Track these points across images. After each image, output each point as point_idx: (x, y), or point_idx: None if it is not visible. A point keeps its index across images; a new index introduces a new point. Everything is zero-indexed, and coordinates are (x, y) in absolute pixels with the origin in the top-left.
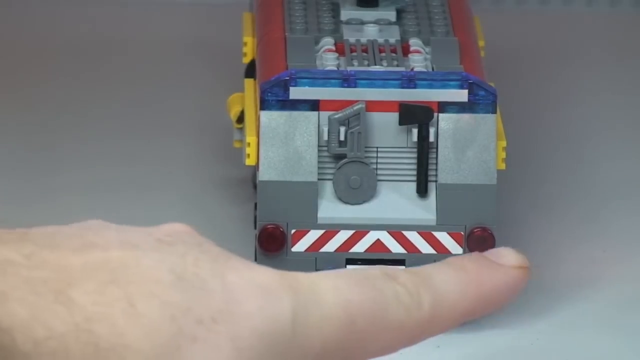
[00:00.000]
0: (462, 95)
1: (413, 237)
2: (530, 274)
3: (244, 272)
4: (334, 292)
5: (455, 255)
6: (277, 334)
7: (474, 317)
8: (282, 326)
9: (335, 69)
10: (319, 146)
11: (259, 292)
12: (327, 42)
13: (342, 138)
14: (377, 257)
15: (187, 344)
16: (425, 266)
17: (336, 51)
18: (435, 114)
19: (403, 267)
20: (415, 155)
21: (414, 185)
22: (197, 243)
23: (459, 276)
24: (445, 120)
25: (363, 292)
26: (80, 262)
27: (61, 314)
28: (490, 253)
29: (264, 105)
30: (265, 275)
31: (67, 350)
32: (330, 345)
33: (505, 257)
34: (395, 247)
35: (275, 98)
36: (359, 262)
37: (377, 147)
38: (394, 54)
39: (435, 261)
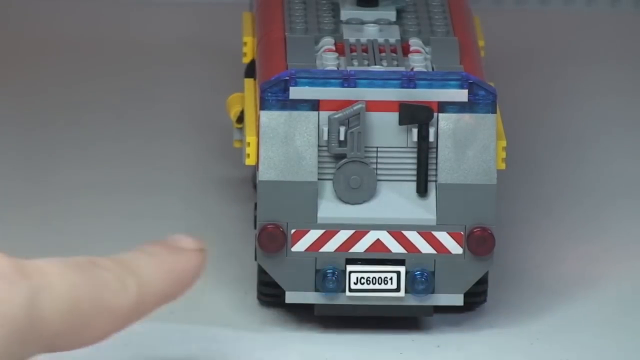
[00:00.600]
0: (462, 95)
1: (413, 237)
2: (206, 255)
3: None
4: (60, 278)
5: (455, 254)
6: (13, 318)
7: (171, 299)
8: (17, 311)
9: (335, 68)
10: (319, 146)
11: None
12: (327, 42)
13: (342, 138)
14: (377, 257)
15: None
16: (123, 254)
17: (336, 51)
18: (435, 114)
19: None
20: (415, 155)
21: (414, 185)
22: None
23: (153, 262)
24: (445, 120)
25: (82, 278)
26: None
27: None
28: (170, 240)
29: (264, 105)
30: None
31: None
32: (61, 328)
33: (184, 242)
34: (395, 247)
35: (275, 98)
36: (359, 262)
37: (377, 147)
38: (394, 54)
39: (435, 261)
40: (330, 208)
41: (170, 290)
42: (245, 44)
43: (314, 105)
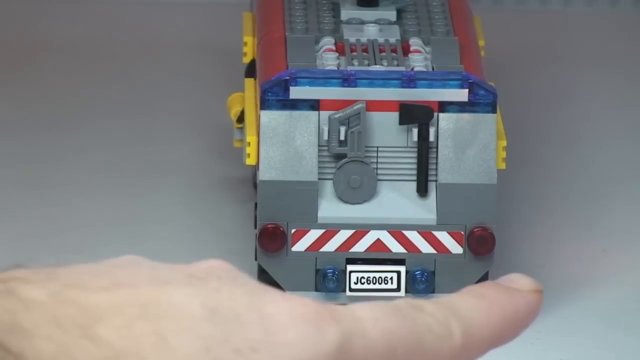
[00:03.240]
0: (462, 94)
1: (413, 236)
2: (542, 295)
3: (282, 304)
4: (374, 323)
5: (455, 254)
6: None
7: (501, 343)
8: (326, 355)
9: (336, 68)
10: (319, 146)
11: (300, 322)
12: (327, 41)
13: (342, 138)
14: (378, 257)
15: None
16: (447, 296)
17: (336, 51)
18: (436, 114)
19: (427, 298)
20: (415, 154)
21: (414, 185)
22: (232, 277)
23: (481, 304)
24: (445, 120)
25: (399, 323)
26: (108, 300)
27: (88, 349)
28: (504, 279)
29: (264, 105)
30: (305, 306)
31: None
32: None
33: (519, 281)
34: (396, 247)
35: (275, 98)
36: (359, 262)
37: (377, 147)
38: (394, 54)
39: (435, 261)
40: (330, 208)
41: (500, 334)
42: (245, 44)
43: (314, 105)
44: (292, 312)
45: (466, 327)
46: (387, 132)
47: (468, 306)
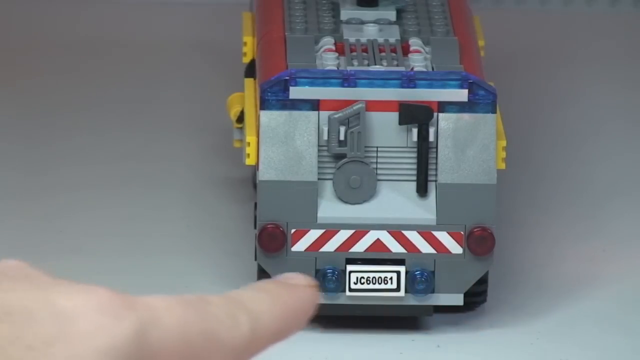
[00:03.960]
0: (462, 95)
1: (413, 236)
2: (317, 290)
3: (76, 296)
4: (168, 312)
5: (455, 254)
6: (121, 351)
7: (286, 335)
8: (125, 344)
9: (335, 68)
10: (319, 146)
11: (95, 312)
12: (327, 41)
13: (342, 138)
14: (377, 257)
15: None
16: (233, 291)
17: (336, 51)
18: (435, 114)
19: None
20: (415, 154)
21: (414, 185)
22: (24, 275)
23: (265, 298)
24: (445, 120)
25: (192, 313)
26: None
27: None
28: (281, 277)
29: (264, 105)
30: (100, 297)
31: None
32: None
33: (295, 279)
34: (395, 247)
35: (275, 98)
36: (359, 262)
37: (377, 147)
38: (393, 54)
39: (435, 261)
40: (330, 208)
41: (284, 326)
42: (245, 44)
43: (314, 105)
44: (85, 303)
45: (253, 320)
46: (386, 132)
47: (253, 299)
